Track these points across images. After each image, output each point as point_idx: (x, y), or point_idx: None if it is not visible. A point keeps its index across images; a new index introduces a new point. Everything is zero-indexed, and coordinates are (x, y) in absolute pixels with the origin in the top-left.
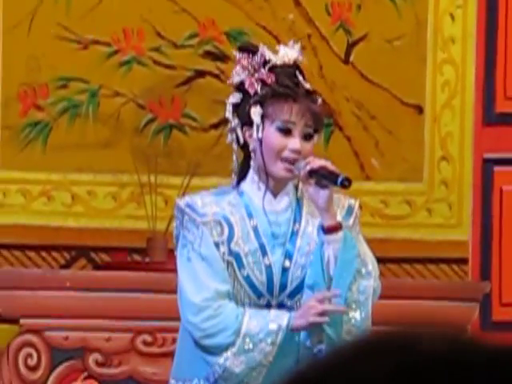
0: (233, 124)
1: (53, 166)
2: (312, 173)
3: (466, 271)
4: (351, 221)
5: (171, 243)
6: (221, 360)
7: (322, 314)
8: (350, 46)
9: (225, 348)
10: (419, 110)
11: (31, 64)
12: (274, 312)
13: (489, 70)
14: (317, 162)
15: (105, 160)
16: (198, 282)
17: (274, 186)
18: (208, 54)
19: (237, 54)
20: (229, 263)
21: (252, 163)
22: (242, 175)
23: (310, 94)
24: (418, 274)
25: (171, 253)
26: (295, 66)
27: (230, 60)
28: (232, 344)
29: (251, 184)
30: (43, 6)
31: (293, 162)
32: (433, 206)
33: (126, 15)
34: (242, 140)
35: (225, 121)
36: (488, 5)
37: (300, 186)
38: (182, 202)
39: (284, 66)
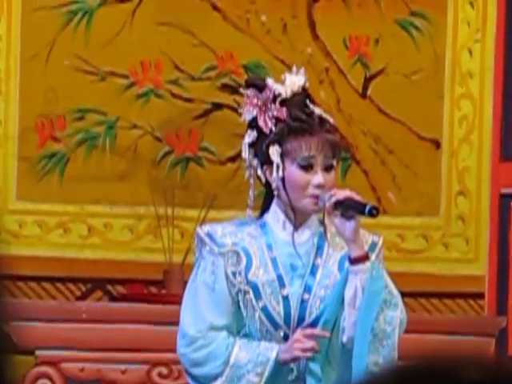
0: (251, 163)
1: (69, 197)
2: (337, 204)
3: (482, 306)
4: (373, 257)
5: (188, 275)
6: None
7: (308, 350)
8: (368, 80)
9: (213, 378)
10: (436, 144)
11: (49, 95)
12: (263, 344)
13: (507, 105)
14: (342, 193)
15: (121, 192)
16: (197, 313)
17: (297, 219)
18: (226, 87)
19: (245, 91)
20: (245, 293)
21: (275, 200)
22: (264, 208)
23: (324, 123)
24: (435, 309)
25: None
26: (304, 92)
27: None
28: (220, 374)
29: (273, 216)
30: (61, 38)
31: (318, 196)
32: (449, 241)
33: (143, 47)
34: (263, 179)
35: (241, 154)
36: (506, 39)
37: (325, 219)
38: (202, 231)
39: (293, 96)
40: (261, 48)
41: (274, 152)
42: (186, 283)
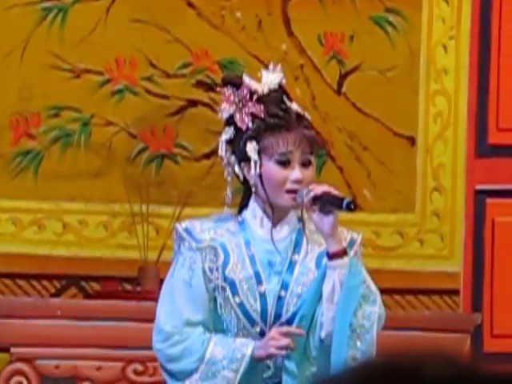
0: (229, 160)
1: (44, 194)
2: (315, 199)
3: (457, 302)
4: (352, 253)
5: (163, 273)
6: None
7: (283, 347)
8: (343, 77)
9: (189, 373)
10: (412, 141)
11: (23, 93)
12: (239, 340)
13: (481, 102)
14: (320, 188)
15: (96, 189)
16: (174, 309)
17: (275, 216)
18: (201, 84)
19: (221, 88)
20: (222, 289)
21: (253, 197)
22: (243, 205)
23: (301, 119)
24: (410, 305)
25: (162, 282)
26: (280, 89)
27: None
28: (196, 370)
29: (251, 213)
30: (35, 35)
31: (297, 191)
32: (425, 237)
33: (118, 44)
34: (241, 177)
35: (217, 151)
36: (481, 36)
37: (304, 215)
38: (180, 227)
39: (270, 92)
40: (236, 45)
41: (252, 148)
42: (161, 280)
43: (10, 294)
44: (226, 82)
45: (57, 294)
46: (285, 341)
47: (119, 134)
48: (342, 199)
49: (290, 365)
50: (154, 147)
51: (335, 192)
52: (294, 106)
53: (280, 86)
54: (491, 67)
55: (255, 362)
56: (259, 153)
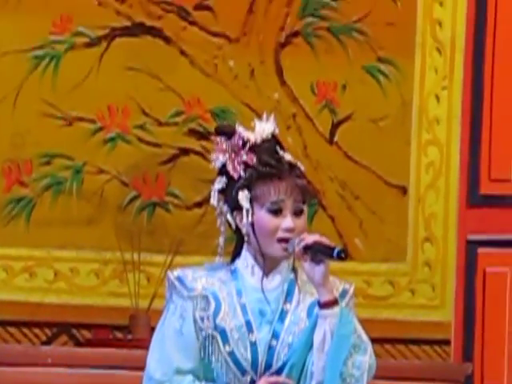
0: (221, 209)
1: (36, 242)
2: (307, 248)
3: (448, 352)
4: (343, 304)
5: (154, 321)
6: None
7: None
8: (335, 126)
9: None
10: (403, 190)
11: (16, 140)
12: None
13: (473, 152)
14: (311, 238)
15: (88, 237)
16: (164, 357)
17: (267, 265)
18: (193, 132)
19: (214, 138)
20: (213, 338)
21: (245, 246)
22: (235, 253)
23: (294, 168)
24: (401, 355)
25: (153, 330)
26: (273, 138)
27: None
28: None
29: (243, 262)
30: (28, 82)
31: (288, 240)
32: (416, 287)
33: (111, 92)
34: (234, 226)
35: (208, 199)
36: (473, 86)
37: (296, 265)
38: (172, 275)
39: (263, 142)
40: (228, 93)
41: (243, 197)
42: (152, 328)
43: (0, 342)
44: (218, 132)
45: (48, 342)
46: None
47: (111, 182)
48: (332, 248)
49: None
50: (146, 195)
51: (326, 241)
52: (287, 156)
53: (273, 135)
54: (483, 117)
55: None
56: (251, 201)
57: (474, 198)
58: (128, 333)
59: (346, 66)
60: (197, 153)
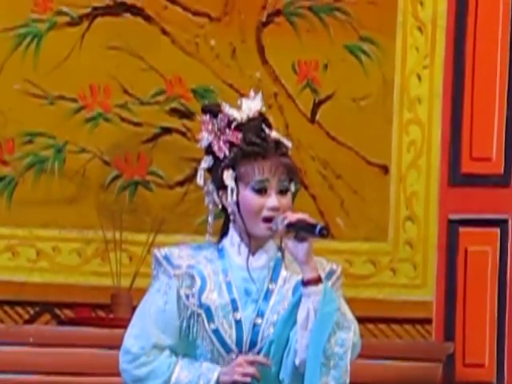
0: (208, 189)
1: (18, 221)
2: (290, 226)
3: (429, 331)
4: (329, 284)
5: (136, 300)
6: None
7: (248, 375)
8: (317, 105)
9: None
10: (385, 169)
11: None
12: (205, 365)
13: (455, 131)
14: (294, 216)
15: (70, 216)
16: (143, 331)
17: (253, 244)
18: (174, 112)
19: (201, 117)
20: (198, 316)
21: (231, 224)
22: (223, 232)
23: (279, 147)
24: (382, 334)
25: (135, 309)
26: (260, 117)
27: (197, 117)
28: None
29: (230, 241)
30: (10, 62)
31: (273, 219)
32: (397, 266)
33: (92, 71)
34: (219, 205)
35: (190, 178)
36: (455, 65)
37: (283, 245)
38: (159, 253)
39: (249, 120)
40: (210, 72)
41: (228, 176)
42: (133, 307)
43: None
44: (204, 111)
45: (30, 321)
46: (250, 369)
47: (93, 161)
48: (314, 225)
49: None
50: (128, 174)
51: (309, 219)
52: (274, 134)
53: (260, 113)
54: (465, 96)
55: None
56: (236, 181)
57: (456, 177)
58: (110, 312)
59: (328, 45)
60: (179, 132)
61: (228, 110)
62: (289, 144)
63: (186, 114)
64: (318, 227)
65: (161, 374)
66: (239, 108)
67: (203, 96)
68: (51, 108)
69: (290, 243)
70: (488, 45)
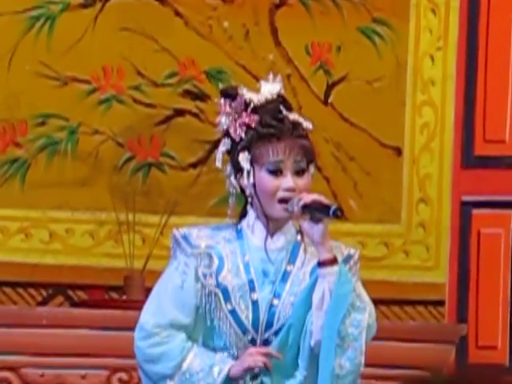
0: (226, 171)
1: (31, 203)
2: (305, 208)
3: (442, 313)
4: (346, 267)
5: (148, 281)
6: None
7: (259, 362)
8: (330, 87)
9: (163, 378)
10: (398, 151)
11: (10, 101)
12: (219, 355)
13: (468, 113)
14: (309, 197)
15: (83, 198)
16: (160, 308)
17: (271, 225)
18: (187, 93)
19: (219, 100)
20: (215, 295)
21: (250, 206)
22: (242, 214)
23: (296, 128)
24: (395, 316)
25: (148, 291)
26: (279, 99)
27: (210, 99)
28: (171, 376)
29: (248, 222)
30: (23, 43)
31: (288, 200)
32: (410, 248)
33: (106, 53)
34: (238, 188)
35: (203, 160)
36: (468, 47)
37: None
38: (178, 233)
39: (267, 103)
40: (223, 54)
41: (244, 158)
42: (146, 289)
43: None
44: (222, 94)
45: (43, 303)
46: (262, 359)
47: (106, 143)
48: (329, 206)
49: (267, 380)
50: (141, 156)
51: (324, 200)
52: (292, 115)
53: (279, 95)
54: (478, 78)
55: (231, 381)
56: (252, 163)
57: (469, 159)
58: (122, 294)
59: (341, 28)
60: (192, 114)
61: (245, 92)
62: (309, 126)
63: (199, 96)
64: (332, 208)
65: (173, 357)
66: (258, 91)
67: (216, 78)
68: (64, 90)
69: (305, 224)
70: (501, 26)
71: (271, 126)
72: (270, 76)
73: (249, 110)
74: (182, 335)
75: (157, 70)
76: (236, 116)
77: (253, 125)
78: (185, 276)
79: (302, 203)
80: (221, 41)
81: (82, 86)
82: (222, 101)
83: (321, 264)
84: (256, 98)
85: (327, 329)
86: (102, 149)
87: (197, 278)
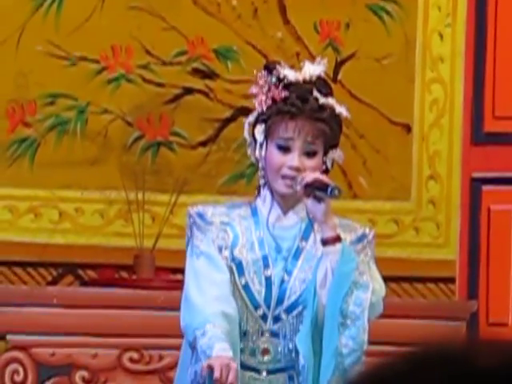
0: (248, 142)
1: (40, 182)
2: (307, 186)
3: (453, 290)
4: (359, 246)
5: (158, 260)
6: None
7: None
8: (339, 65)
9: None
10: (407, 128)
11: (19, 80)
12: (219, 345)
13: (477, 89)
14: (311, 176)
15: (92, 177)
16: (200, 287)
17: (283, 203)
18: (196, 72)
19: (257, 73)
20: (229, 269)
21: (263, 183)
22: (259, 191)
23: (322, 111)
24: (405, 293)
25: (158, 270)
26: (318, 81)
27: (219, 77)
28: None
29: (263, 199)
30: (31, 23)
31: (292, 178)
32: (420, 225)
33: (114, 32)
34: (253, 158)
35: (213, 138)
36: (477, 24)
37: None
38: (193, 211)
39: (304, 82)
40: (231, 32)
41: (259, 130)
42: (156, 268)
43: (6, 282)
44: (264, 67)
45: (53, 282)
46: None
47: (115, 122)
48: (327, 185)
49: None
50: (150, 135)
51: (325, 179)
52: (325, 100)
53: (319, 78)
54: (487, 55)
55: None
56: (266, 136)
57: (478, 135)
58: (133, 273)
59: (350, 5)
60: (201, 92)
61: (281, 68)
62: (343, 112)
63: (208, 74)
64: (330, 188)
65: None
66: (299, 70)
67: (225, 56)
68: (73, 69)
69: (309, 203)
70: (510, 2)
71: (293, 104)
72: (318, 58)
73: (281, 85)
74: (225, 323)
75: (165, 48)
76: (267, 88)
77: (278, 100)
78: (206, 244)
79: (304, 182)
80: (229, 19)
81: (91, 65)
82: (260, 73)
83: (324, 242)
84: (293, 76)
85: (330, 307)
86: (111, 128)
87: (216, 248)
